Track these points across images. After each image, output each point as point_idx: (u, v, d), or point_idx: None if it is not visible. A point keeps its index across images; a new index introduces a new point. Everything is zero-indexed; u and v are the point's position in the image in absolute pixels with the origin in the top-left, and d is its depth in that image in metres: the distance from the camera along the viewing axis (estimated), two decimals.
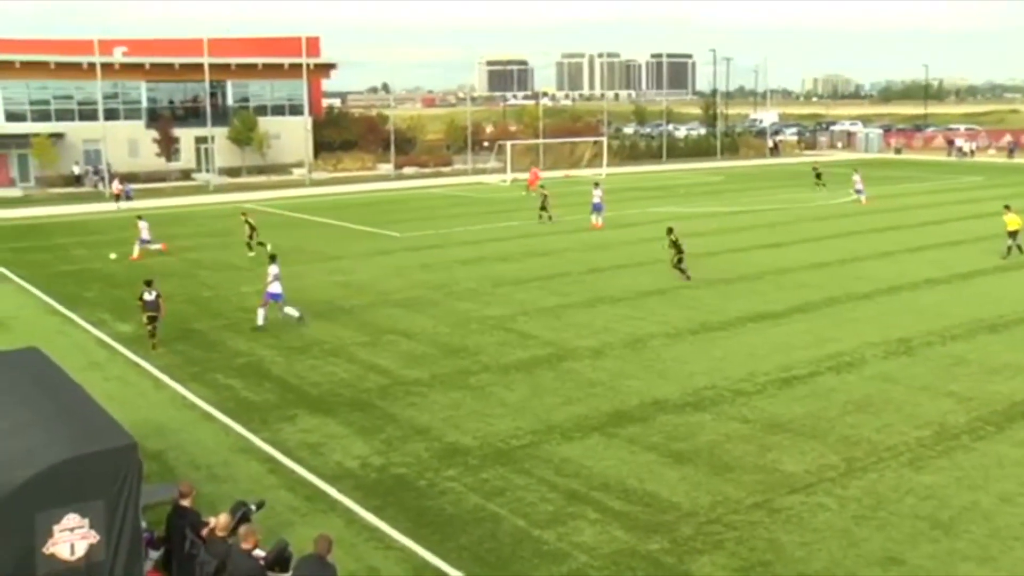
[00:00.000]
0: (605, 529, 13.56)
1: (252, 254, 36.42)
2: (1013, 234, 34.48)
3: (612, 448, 16.59)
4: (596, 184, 46.39)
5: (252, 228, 37.45)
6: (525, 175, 64.78)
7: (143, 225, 37.52)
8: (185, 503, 12.13)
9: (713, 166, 67.03)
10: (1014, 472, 15.30)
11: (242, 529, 11.34)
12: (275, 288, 25.37)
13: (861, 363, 21.36)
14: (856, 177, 53.60)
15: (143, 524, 11.40)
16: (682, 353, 22.43)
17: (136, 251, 37.15)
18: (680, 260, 30.95)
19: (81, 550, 10.37)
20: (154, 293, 24.17)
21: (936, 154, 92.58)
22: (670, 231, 31.57)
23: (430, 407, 18.89)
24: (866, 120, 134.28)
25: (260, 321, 25.34)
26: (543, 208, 45.39)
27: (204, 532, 11.77)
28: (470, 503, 14.49)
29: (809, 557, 12.69)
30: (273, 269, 25.52)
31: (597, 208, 43.68)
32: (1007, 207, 35.92)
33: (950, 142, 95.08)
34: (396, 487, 15.14)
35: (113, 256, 36.87)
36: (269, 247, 31.94)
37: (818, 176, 59.50)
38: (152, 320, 23.95)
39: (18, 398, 12.16)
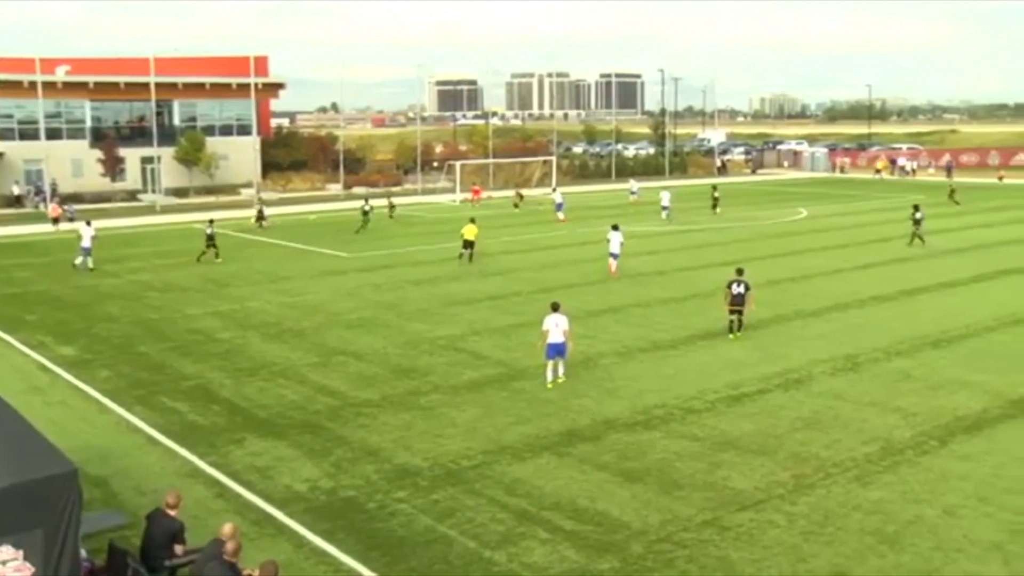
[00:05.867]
0: (556, 549, 13.51)
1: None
2: (469, 244, 38.39)
3: (563, 467, 16.56)
4: (554, 188, 58.78)
5: None
6: (363, 200, 66.18)
7: (87, 231, 38.44)
8: (172, 513, 12.46)
9: (662, 185, 67.64)
10: (957, 485, 15.54)
11: (230, 545, 11.19)
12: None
13: (809, 380, 21.59)
14: (556, 191, 60.05)
15: (83, 553, 11.15)
16: (633, 371, 22.51)
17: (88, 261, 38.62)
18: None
19: None
20: (211, 228, 40.47)
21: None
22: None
23: (380, 428, 18.74)
24: (812, 139, 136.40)
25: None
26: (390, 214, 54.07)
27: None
28: (420, 525, 14.37)
29: (759, 574, 12.75)
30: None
31: (559, 207, 53.81)
32: (472, 220, 39.94)
33: (893, 161, 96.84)
34: (346, 510, 14.98)
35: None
36: None
37: (391, 207, 60.64)
38: (211, 245, 39.97)
39: None
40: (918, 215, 42.64)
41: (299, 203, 67.45)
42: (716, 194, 58.28)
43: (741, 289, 25.44)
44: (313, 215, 52.46)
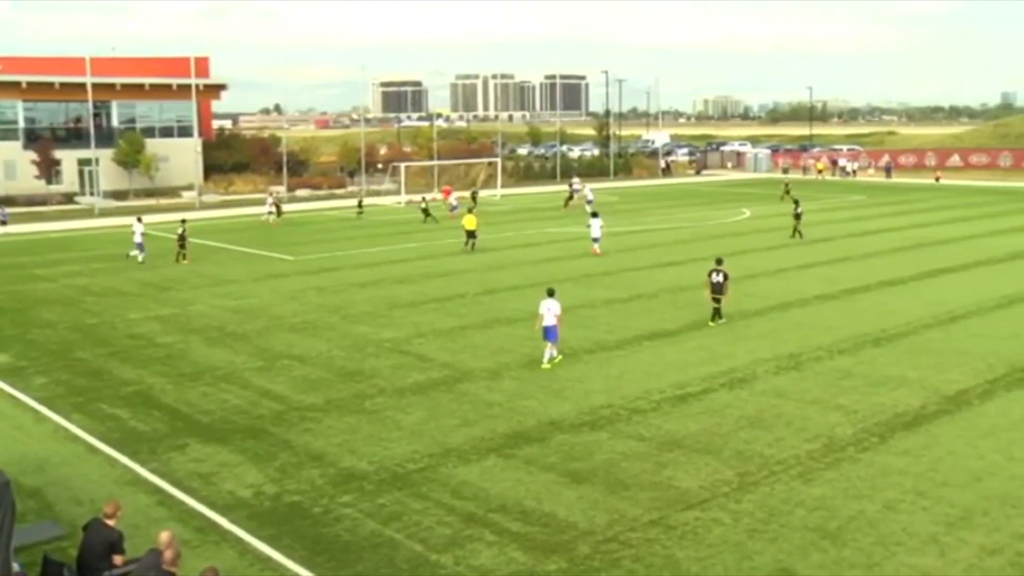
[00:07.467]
0: (503, 551, 13.46)
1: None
2: (471, 233, 42.56)
3: (509, 469, 16.53)
4: (448, 191, 63.37)
5: None
6: (418, 196, 65.81)
7: (139, 228, 41.06)
8: (110, 523, 12.09)
9: (607, 186, 68.05)
10: (897, 480, 15.78)
11: (168, 553, 10.96)
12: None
13: (753, 379, 21.81)
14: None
15: (16, 567, 10.85)
16: (579, 372, 22.55)
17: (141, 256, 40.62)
18: None
19: None
20: (183, 228, 40.71)
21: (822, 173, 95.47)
22: None
23: (325, 432, 18.55)
24: (755, 140, 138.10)
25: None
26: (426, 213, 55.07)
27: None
28: (366, 529, 14.24)
29: (704, 572, 12.82)
30: None
31: (453, 208, 57.27)
32: (470, 210, 46.16)
33: (834, 162, 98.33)
34: (291, 515, 14.79)
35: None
36: None
37: (360, 205, 62.24)
38: (182, 245, 40.31)
39: None
40: (798, 210, 46.04)
41: (241, 206, 66.64)
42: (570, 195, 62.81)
43: (719, 278, 26.85)
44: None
